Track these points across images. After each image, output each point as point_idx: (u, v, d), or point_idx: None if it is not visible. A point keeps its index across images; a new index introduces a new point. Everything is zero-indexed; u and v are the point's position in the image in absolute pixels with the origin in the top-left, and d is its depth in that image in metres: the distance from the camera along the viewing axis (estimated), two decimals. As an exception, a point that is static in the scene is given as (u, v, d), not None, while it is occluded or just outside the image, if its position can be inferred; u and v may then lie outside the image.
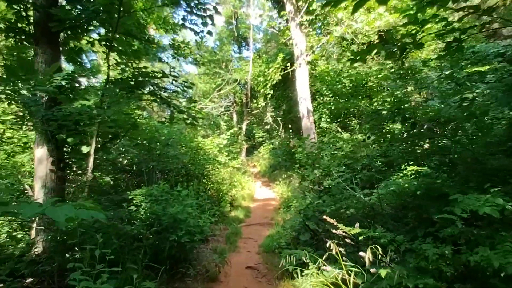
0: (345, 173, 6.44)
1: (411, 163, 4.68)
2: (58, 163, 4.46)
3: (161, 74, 3.38)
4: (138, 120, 8.28)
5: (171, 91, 3.43)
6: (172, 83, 3.57)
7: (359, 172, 7.50)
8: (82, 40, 4.93)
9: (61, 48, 5.45)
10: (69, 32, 4.76)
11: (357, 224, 2.65)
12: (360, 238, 2.40)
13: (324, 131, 10.54)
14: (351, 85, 4.59)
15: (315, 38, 8.62)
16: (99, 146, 4.63)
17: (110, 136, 3.94)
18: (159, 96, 3.14)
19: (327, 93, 9.21)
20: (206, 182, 8.67)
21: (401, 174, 4.05)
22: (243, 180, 12.90)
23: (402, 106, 3.00)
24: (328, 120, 9.76)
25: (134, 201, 4.63)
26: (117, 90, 3.27)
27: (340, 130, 9.18)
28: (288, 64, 10.09)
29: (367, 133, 4.23)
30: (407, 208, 3.65)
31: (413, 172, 3.74)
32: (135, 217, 4.42)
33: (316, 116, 10.89)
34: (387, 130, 4.22)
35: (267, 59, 12.53)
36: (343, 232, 2.60)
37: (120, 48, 3.69)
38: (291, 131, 16.72)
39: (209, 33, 3.89)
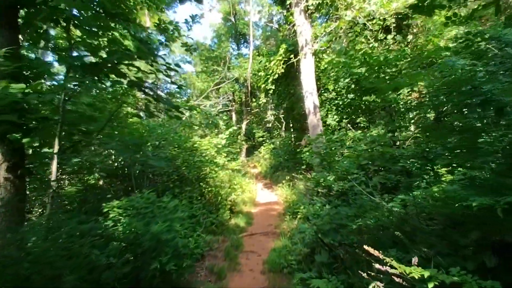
0: (358, 175, 5.60)
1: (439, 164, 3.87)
2: (15, 169, 3.61)
3: (135, 53, 2.53)
4: (127, 118, 7.45)
5: (149, 73, 2.58)
6: (151, 64, 2.73)
7: (377, 174, 6.66)
8: (46, 20, 4.07)
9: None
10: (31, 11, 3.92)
11: (415, 259, 1.80)
12: (430, 286, 1.55)
13: (331, 129, 9.71)
14: (377, 67, 3.80)
15: (323, 24, 7.71)
16: (68, 147, 3.78)
17: (71, 135, 3.10)
18: (128, 79, 2.31)
19: (335, 87, 8.34)
20: (204, 186, 7.82)
21: (442, 177, 3.19)
22: (244, 182, 12.05)
23: (476, 85, 2.14)
24: (339, 115, 8.91)
25: (111, 215, 3.78)
26: (72, 74, 2.42)
27: (350, 127, 8.33)
28: (292, 56, 9.25)
29: (406, 126, 3.40)
30: (461, 224, 2.79)
31: (464, 174, 2.90)
32: (111, 236, 3.57)
33: (322, 112, 10.07)
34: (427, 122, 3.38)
35: (268, 52, 11.67)
36: (395, 269, 1.75)
37: (80, 17, 2.83)
38: (292, 130, 15.88)
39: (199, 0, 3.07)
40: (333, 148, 4.48)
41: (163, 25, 4.44)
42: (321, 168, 4.04)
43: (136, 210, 3.83)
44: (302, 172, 10.15)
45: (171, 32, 4.41)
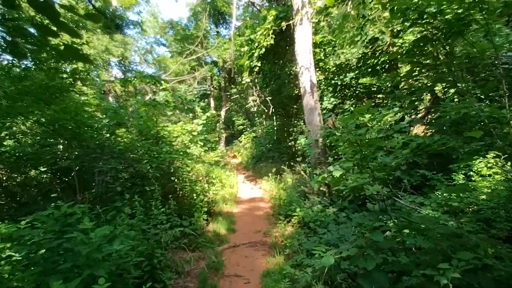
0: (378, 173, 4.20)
1: None
2: None
3: None
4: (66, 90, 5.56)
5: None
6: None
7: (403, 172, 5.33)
8: None
9: None
10: None
11: None
12: None
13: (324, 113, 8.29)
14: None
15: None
16: None
17: None
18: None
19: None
20: (176, 181, 6.17)
21: None
22: (224, 175, 10.44)
23: None
24: (336, 97, 7.50)
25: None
26: None
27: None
28: (283, 24, 7.59)
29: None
30: None
31: None
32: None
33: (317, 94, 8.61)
34: None
35: (253, 24, 9.93)
36: None
37: None
38: (277, 116, 14.32)
39: None
40: (368, 135, 2.89)
41: None
42: (352, 163, 2.53)
43: (34, 243, 2.15)
44: (295, 163, 8.70)
45: None
